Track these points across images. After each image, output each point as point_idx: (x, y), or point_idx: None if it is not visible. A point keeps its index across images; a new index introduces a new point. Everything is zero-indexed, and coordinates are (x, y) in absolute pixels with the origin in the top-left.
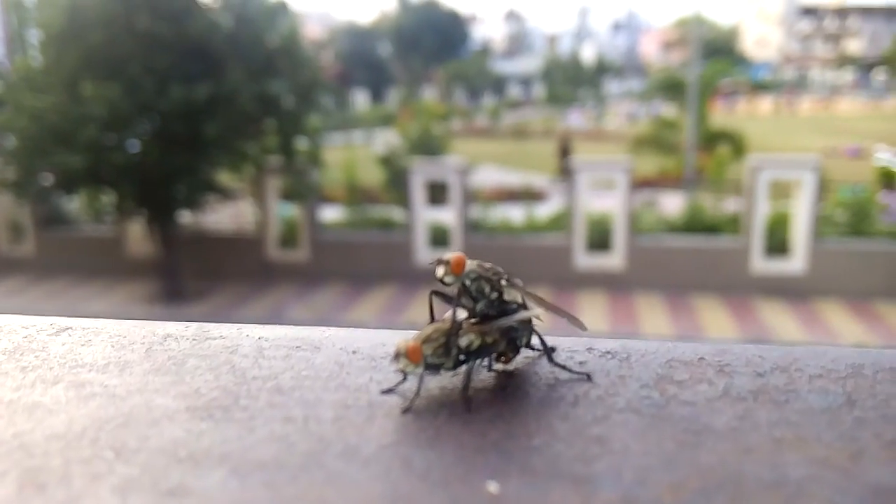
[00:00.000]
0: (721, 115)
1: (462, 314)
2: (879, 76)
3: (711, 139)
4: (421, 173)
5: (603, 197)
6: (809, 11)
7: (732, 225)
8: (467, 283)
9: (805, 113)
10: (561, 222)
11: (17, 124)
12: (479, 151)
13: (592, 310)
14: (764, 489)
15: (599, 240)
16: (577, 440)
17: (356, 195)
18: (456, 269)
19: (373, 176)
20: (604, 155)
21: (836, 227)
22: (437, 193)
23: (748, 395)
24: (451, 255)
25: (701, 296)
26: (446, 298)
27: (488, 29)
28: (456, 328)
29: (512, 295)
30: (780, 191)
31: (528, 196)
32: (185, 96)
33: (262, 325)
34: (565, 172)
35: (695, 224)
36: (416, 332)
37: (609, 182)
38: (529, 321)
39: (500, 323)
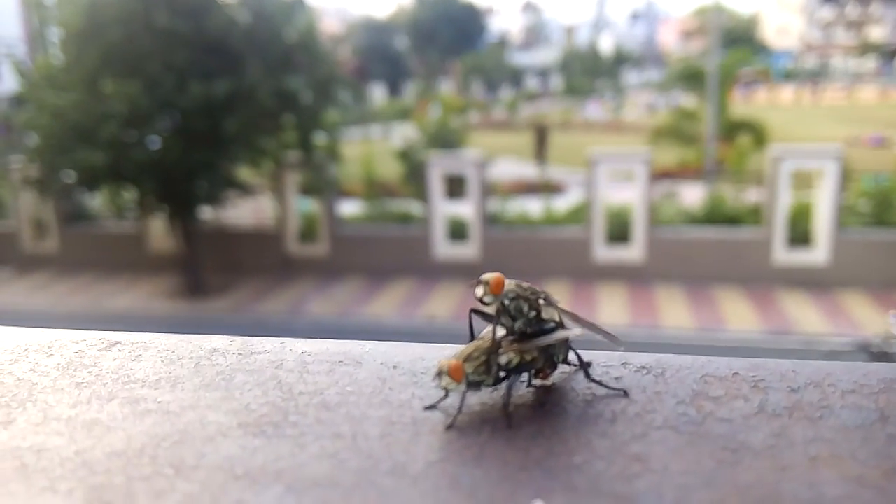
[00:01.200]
0: (742, 105)
1: (501, 332)
2: None
3: (732, 129)
4: (439, 166)
5: (622, 189)
6: None
7: (754, 216)
8: (506, 302)
9: (827, 102)
10: (580, 215)
11: (39, 122)
12: (497, 144)
13: (612, 303)
14: None
15: (619, 232)
16: (617, 458)
17: (374, 189)
18: (495, 289)
19: (391, 170)
20: (623, 146)
21: (860, 217)
22: (455, 187)
23: (783, 412)
24: (490, 275)
25: (722, 288)
26: (486, 317)
27: (505, 21)
28: (496, 347)
29: (549, 313)
30: (802, 181)
31: (547, 188)
32: (204, 93)
33: (304, 339)
34: (542, 159)
35: (716, 215)
36: (456, 347)
37: (628, 174)
38: (566, 340)
39: (540, 342)
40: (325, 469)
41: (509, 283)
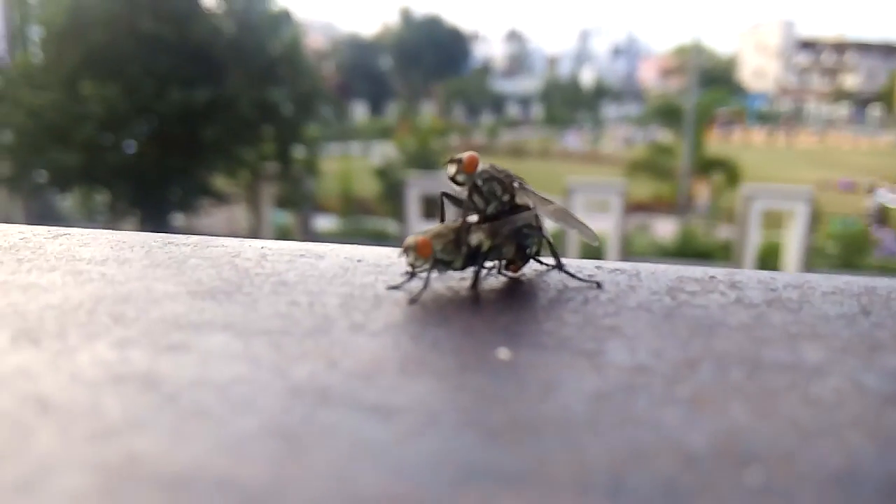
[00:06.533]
0: (716, 144)
1: (472, 217)
2: (874, 112)
3: (706, 166)
4: (417, 187)
5: (597, 219)
6: (808, 45)
7: (724, 252)
8: (479, 182)
9: (800, 145)
10: (554, 241)
11: (14, 120)
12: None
13: None
14: (782, 369)
15: (593, 253)
16: (588, 328)
17: (351, 206)
18: (468, 167)
19: (368, 187)
20: (599, 177)
21: (827, 259)
22: (432, 207)
23: (761, 304)
24: (464, 154)
25: None
26: (456, 201)
27: (489, 48)
28: (467, 225)
29: (524, 199)
30: (773, 220)
31: None
32: (184, 99)
33: (265, 240)
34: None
35: (687, 250)
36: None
37: (603, 204)
38: (540, 228)
39: (508, 221)
40: (278, 324)
41: (484, 164)
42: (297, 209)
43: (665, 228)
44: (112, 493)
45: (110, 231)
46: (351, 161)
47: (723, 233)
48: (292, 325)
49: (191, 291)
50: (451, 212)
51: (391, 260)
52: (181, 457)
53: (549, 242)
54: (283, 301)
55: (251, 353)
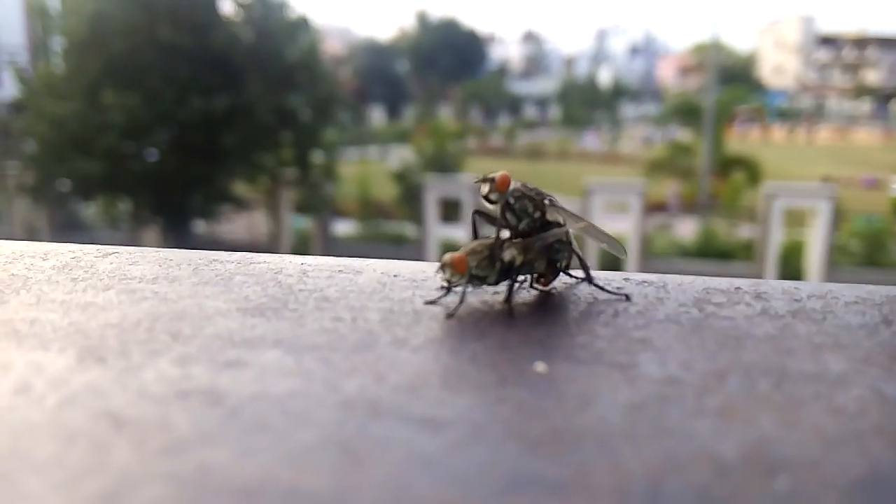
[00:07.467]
0: (736, 142)
1: (505, 233)
2: None
3: (726, 165)
4: (435, 190)
5: (616, 220)
6: (828, 41)
7: (746, 252)
8: (511, 201)
9: (821, 142)
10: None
11: (37, 130)
12: (494, 170)
13: None
14: (807, 378)
15: (612, 262)
16: (619, 341)
17: (369, 210)
18: (501, 186)
19: (387, 191)
20: (618, 178)
21: (851, 257)
22: (450, 210)
23: (786, 314)
24: (496, 173)
25: None
26: (489, 219)
27: (506, 49)
28: (501, 241)
29: (554, 216)
30: (795, 219)
31: None
32: (204, 107)
33: (304, 256)
34: None
35: (708, 249)
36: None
37: (623, 205)
38: (569, 243)
39: (540, 238)
40: (325, 340)
41: (515, 183)
42: (316, 214)
43: (686, 228)
44: (189, 503)
45: (156, 249)
46: (369, 165)
47: (744, 232)
48: (338, 341)
49: (240, 308)
50: (482, 230)
51: (426, 274)
52: (249, 468)
53: (579, 256)
54: (327, 317)
55: (303, 368)
